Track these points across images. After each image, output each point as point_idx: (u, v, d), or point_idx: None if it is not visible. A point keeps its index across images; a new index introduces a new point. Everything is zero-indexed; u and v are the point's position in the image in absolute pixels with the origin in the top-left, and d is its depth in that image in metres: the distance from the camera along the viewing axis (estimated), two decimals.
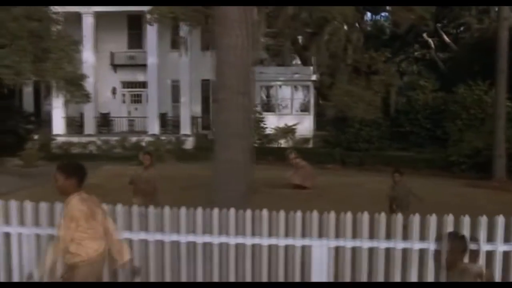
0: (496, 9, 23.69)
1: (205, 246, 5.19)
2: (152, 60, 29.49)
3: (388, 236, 4.95)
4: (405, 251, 4.93)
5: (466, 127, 22.67)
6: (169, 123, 31.23)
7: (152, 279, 5.21)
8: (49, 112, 32.34)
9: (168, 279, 5.19)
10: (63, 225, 4.54)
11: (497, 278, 4.67)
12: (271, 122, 29.62)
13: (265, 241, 5.00)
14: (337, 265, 5.01)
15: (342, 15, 18.43)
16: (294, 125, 29.53)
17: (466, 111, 23.42)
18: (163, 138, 28.23)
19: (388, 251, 4.95)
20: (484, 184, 17.13)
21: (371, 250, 4.95)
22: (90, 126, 29.90)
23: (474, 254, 4.31)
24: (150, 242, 5.22)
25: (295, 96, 31.77)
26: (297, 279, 5.00)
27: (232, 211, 5.12)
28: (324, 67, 20.92)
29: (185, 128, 29.70)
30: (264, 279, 5.07)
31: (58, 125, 29.55)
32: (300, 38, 28.78)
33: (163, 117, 30.68)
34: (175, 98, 31.74)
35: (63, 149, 27.95)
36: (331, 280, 4.97)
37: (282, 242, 4.99)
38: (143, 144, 27.14)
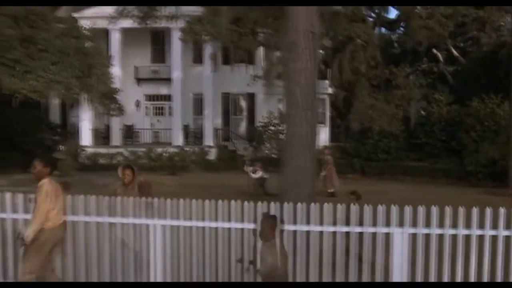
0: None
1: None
2: (176, 74, 30.78)
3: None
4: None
5: (481, 139, 23.82)
6: (191, 134, 32.44)
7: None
8: (74, 124, 33.66)
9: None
10: (41, 199, 6.21)
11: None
12: None
13: (354, 229, 6.20)
14: (413, 249, 6.18)
15: (366, 34, 19.73)
16: None
17: (480, 123, 24.57)
18: (187, 149, 29.42)
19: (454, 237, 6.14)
20: (501, 192, 18.22)
21: (440, 236, 6.13)
22: (116, 137, 31.14)
23: (281, 233, 5.34)
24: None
25: None
26: (380, 259, 6.17)
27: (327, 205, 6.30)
28: (346, 82, 22.10)
29: (208, 139, 30.92)
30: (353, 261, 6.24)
31: (86, 137, 30.76)
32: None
33: (185, 129, 31.91)
34: (197, 111, 33.04)
35: (91, 159, 29.17)
36: (407, 261, 6.13)
37: (369, 230, 6.18)
38: (167, 154, 28.31)
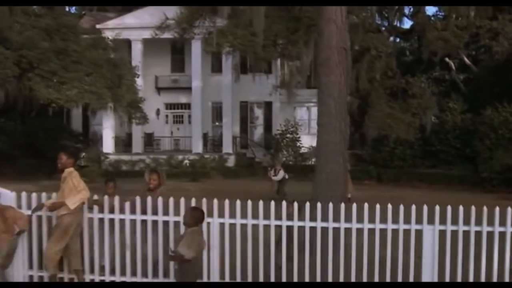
0: None
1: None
2: (196, 83, 31.71)
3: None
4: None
5: (495, 146, 24.46)
6: (210, 142, 33.30)
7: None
8: (96, 132, 34.64)
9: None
10: (77, 186, 7.24)
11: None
12: (305, 142, 31.60)
13: (390, 226, 6.98)
14: (441, 245, 6.94)
15: (383, 45, 20.55)
16: None
17: (494, 131, 25.19)
18: (206, 156, 30.27)
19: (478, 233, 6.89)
20: None
21: (466, 233, 6.89)
22: (137, 145, 32.07)
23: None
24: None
25: None
26: (412, 256, 6.94)
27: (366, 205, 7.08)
28: (362, 90, 22.85)
29: (227, 147, 31.76)
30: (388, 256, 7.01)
31: (108, 144, 31.67)
32: None
33: (204, 137, 32.77)
34: (215, 119, 33.97)
35: (114, 166, 30.06)
36: (437, 256, 6.89)
37: (402, 227, 6.95)
38: (188, 162, 29.19)
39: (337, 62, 9.29)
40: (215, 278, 7.30)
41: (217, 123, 33.86)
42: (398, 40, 33.41)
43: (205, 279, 7.32)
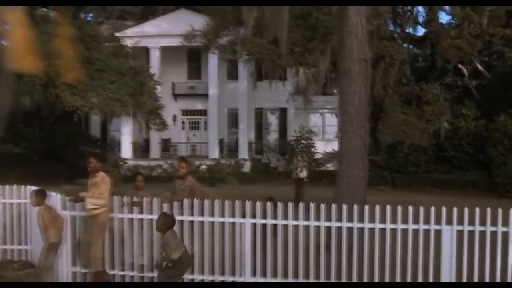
0: None
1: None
2: (212, 90, 32.33)
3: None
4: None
5: (508, 152, 24.78)
6: (225, 148, 33.87)
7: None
8: (113, 138, 35.32)
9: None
10: (104, 187, 7.98)
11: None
12: (319, 147, 32.10)
13: (411, 227, 7.48)
14: (459, 244, 7.42)
15: (398, 53, 21.05)
16: None
17: (508, 138, 25.49)
18: (223, 161, 30.84)
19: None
20: None
21: (482, 233, 7.37)
22: (155, 150, 32.71)
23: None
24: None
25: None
26: (432, 255, 7.43)
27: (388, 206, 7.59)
28: (376, 97, 23.31)
29: (243, 152, 32.30)
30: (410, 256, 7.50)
31: (126, 150, 32.32)
32: None
33: (220, 143, 33.34)
34: (231, 125, 34.56)
35: (132, 171, 30.64)
36: (455, 256, 7.37)
37: (422, 227, 7.46)
38: (205, 167, 29.74)
39: (357, 73, 9.85)
40: (247, 275, 7.83)
41: (232, 129, 34.41)
42: (411, 47, 33.78)
43: (237, 277, 7.86)
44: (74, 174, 26.60)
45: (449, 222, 7.36)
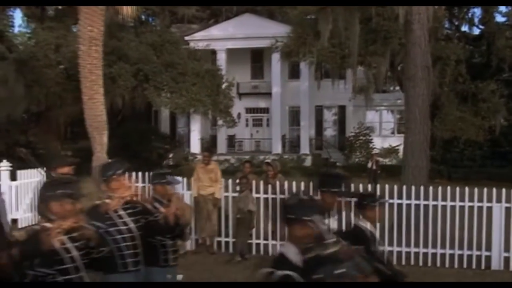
0: None
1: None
2: (276, 89, 34.35)
3: None
4: None
5: None
6: (287, 143, 35.86)
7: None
8: (181, 135, 37.81)
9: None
10: (220, 174, 10.68)
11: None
12: (377, 143, 33.67)
13: (467, 204, 9.28)
14: (507, 219, 9.15)
15: (455, 54, 22.54)
16: (397, 145, 33.37)
17: None
18: (285, 156, 32.82)
19: None
20: None
21: None
22: (222, 146, 34.98)
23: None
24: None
25: (397, 120, 35.80)
26: (484, 229, 9.20)
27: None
28: (433, 95, 24.71)
29: (304, 148, 34.23)
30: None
31: (195, 146, 34.66)
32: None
33: (282, 138, 35.34)
34: (292, 122, 36.49)
35: None
36: (503, 229, 9.11)
37: (476, 204, 9.25)
38: (269, 161, 31.73)
39: (421, 78, 11.65)
40: None
41: (294, 126, 36.35)
42: (467, 46, 34.77)
43: None
44: (147, 168, 28.90)
45: (499, 200, 9.11)
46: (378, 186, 10.24)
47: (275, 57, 32.93)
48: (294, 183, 10.04)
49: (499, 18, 28.75)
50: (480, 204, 9.26)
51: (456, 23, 30.00)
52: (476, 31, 32.18)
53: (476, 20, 29.51)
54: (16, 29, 39.26)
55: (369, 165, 22.19)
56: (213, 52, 34.27)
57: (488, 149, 29.00)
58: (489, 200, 9.17)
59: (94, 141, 11.91)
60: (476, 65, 38.99)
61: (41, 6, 24.11)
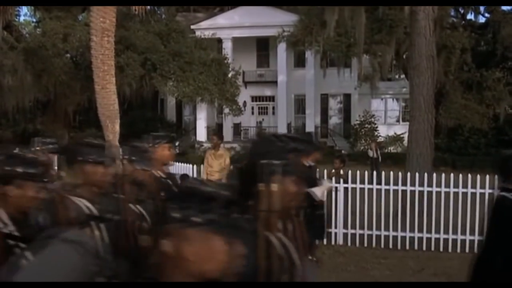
0: None
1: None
2: (281, 78, 34.58)
3: None
4: None
5: None
6: (293, 131, 36.02)
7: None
8: (188, 122, 38.12)
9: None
10: (228, 164, 10.53)
11: None
12: (382, 131, 33.88)
13: (469, 190, 9.56)
14: None
15: (460, 43, 22.71)
16: (402, 133, 33.56)
17: None
18: None
19: None
20: None
21: None
22: (227, 134, 35.17)
23: None
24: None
25: (402, 108, 36.00)
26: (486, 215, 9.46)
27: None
28: (437, 83, 24.90)
29: None
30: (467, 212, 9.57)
31: (201, 134, 34.97)
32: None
33: (288, 127, 35.57)
34: (297, 110, 36.75)
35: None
36: None
37: (478, 191, 9.53)
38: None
39: (425, 67, 11.87)
40: None
41: (299, 114, 36.58)
42: (473, 34, 34.86)
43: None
44: None
45: None
46: (381, 173, 10.43)
47: (281, 46, 33.13)
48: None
49: (505, 7, 28.82)
50: (482, 190, 9.52)
51: (462, 11, 30.06)
52: (482, 20, 32.31)
53: (481, 9, 29.53)
54: (22, 18, 39.71)
55: (370, 153, 22.40)
56: (219, 41, 34.49)
57: (492, 137, 29.19)
58: (492, 187, 9.42)
59: (106, 129, 12.22)
60: (481, 54, 39.12)
61: None
